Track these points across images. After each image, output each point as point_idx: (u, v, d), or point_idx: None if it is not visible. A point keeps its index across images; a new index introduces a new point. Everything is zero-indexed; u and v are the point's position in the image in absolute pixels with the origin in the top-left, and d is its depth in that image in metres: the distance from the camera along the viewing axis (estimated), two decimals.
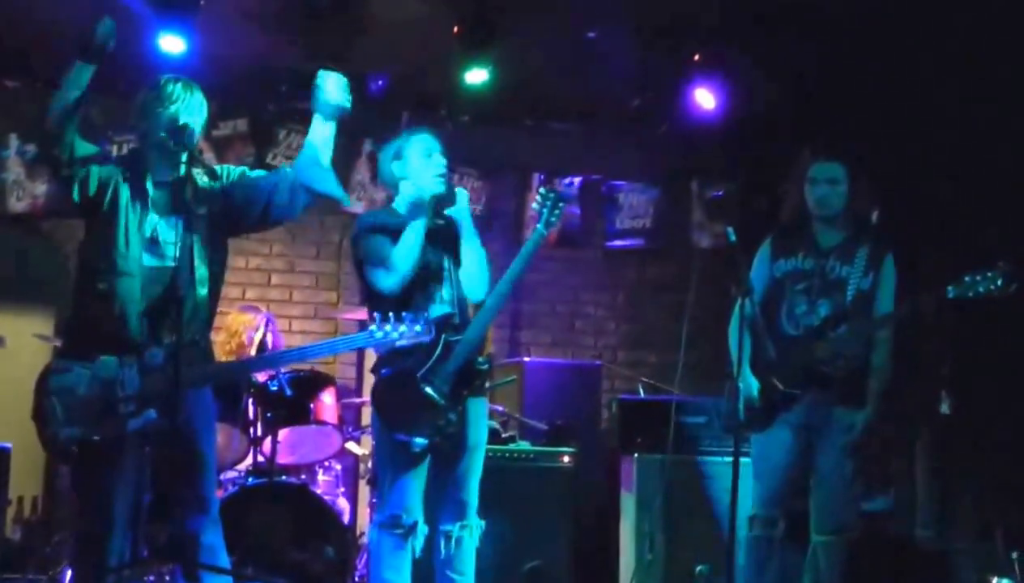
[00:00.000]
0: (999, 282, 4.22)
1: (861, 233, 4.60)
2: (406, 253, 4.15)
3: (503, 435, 5.61)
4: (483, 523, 4.28)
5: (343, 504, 5.75)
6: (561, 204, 4.24)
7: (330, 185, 4.04)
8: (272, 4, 6.05)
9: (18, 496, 6.20)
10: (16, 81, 6.65)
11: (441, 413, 4.13)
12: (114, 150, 6.39)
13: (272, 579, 4.54)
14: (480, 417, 4.30)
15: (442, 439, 4.13)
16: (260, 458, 5.41)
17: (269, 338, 5.74)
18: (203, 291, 3.88)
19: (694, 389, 5.80)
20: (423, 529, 4.17)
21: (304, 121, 6.66)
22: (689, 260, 6.78)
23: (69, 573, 5.02)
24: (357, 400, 6.37)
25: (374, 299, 4.23)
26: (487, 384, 4.46)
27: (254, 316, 5.80)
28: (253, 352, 5.70)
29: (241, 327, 5.71)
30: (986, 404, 5.98)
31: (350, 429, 5.94)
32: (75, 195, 3.83)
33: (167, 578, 4.69)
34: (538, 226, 4.22)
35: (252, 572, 4.70)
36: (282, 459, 5.53)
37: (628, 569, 5.63)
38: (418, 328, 4.03)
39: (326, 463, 5.82)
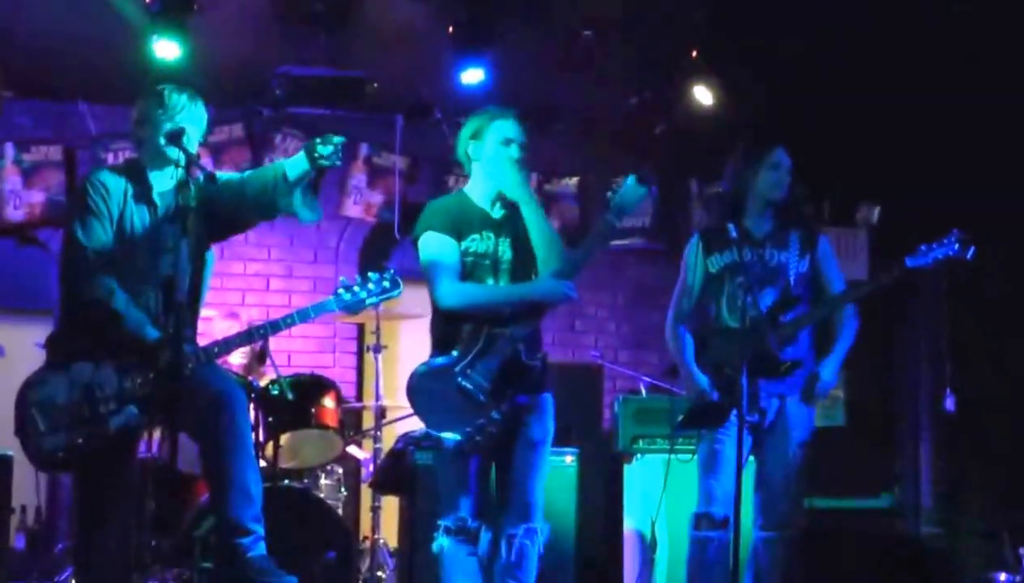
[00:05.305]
0: (956, 247, 4.23)
1: (788, 219, 4.59)
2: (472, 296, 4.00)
3: None
4: (548, 527, 4.08)
5: (345, 508, 5.74)
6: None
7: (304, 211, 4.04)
8: (266, 9, 6.04)
9: (21, 505, 6.19)
10: (11, 91, 6.64)
11: (482, 410, 3.89)
12: (110, 158, 6.40)
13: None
14: (544, 414, 4.06)
15: (483, 438, 3.90)
16: (262, 462, 5.39)
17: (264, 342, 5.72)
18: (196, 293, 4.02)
19: None
20: (486, 534, 4.00)
21: (299, 126, 6.75)
22: None
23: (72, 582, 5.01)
24: (358, 404, 6.38)
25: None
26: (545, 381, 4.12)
27: (235, 323, 5.81)
28: (245, 360, 5.72)
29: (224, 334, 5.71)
30: (992, 402, 5.97)
31: (351, 433, 5.91)
32: None
33: None
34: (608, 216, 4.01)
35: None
36: (284, 463, 5.52)
37: (632, 570, 5.61)
38: (386, 284, 4.00)
39: (328, 467, 5.82)
